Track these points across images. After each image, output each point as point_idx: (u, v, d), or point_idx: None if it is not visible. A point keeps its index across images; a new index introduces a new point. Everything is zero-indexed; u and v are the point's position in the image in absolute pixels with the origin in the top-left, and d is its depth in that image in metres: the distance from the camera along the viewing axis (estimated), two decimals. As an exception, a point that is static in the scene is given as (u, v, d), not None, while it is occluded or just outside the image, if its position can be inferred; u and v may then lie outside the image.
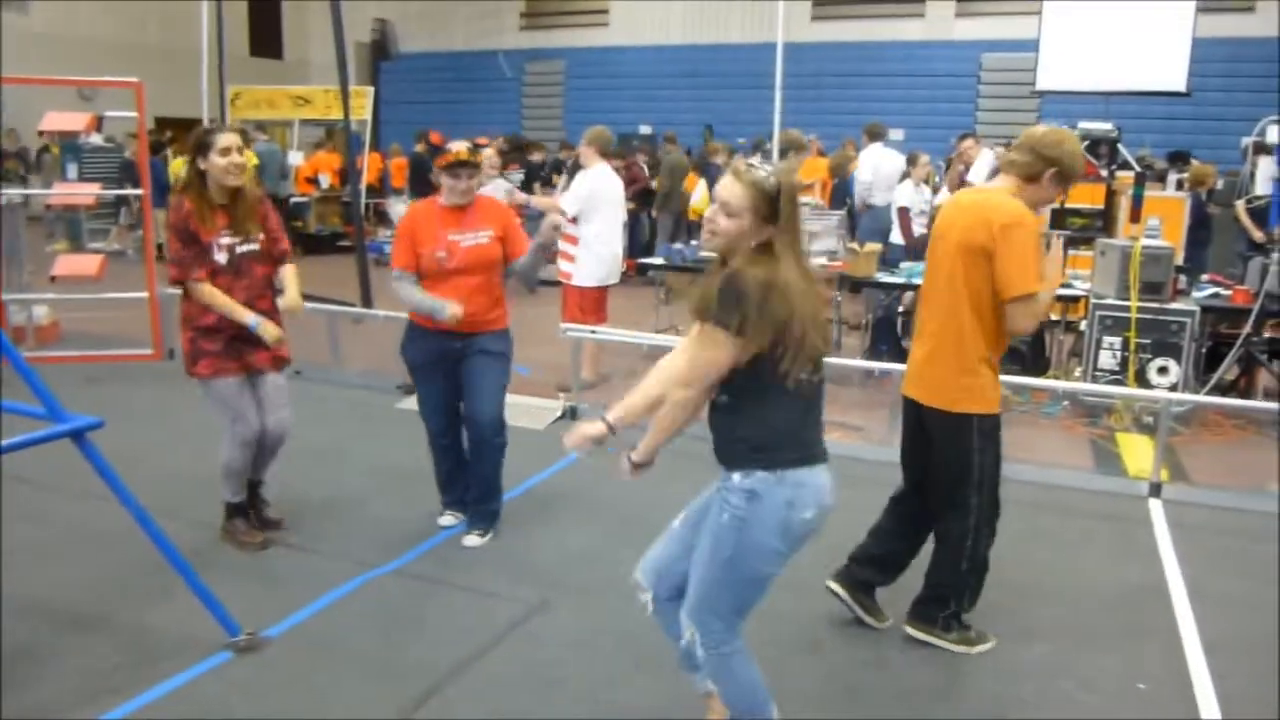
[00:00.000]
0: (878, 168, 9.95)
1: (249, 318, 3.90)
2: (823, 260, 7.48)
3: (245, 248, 3.98)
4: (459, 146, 4.11)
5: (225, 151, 3.84)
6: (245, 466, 4.11)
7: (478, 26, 20.24)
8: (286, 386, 4.21)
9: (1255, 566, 4.30)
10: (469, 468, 4.35)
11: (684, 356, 2.48)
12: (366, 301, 8.15)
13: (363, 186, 12.05)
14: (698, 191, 11.17)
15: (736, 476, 2.44)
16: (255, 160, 11.42)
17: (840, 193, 10.31)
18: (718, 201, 2.41)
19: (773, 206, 2.35)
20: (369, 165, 14.99)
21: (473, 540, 4.30)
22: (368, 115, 14.50)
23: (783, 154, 6.70)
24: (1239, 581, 4.13)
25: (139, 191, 7.97)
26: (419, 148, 12.08)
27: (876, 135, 10.37)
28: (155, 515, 3.18)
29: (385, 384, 6.73)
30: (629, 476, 2.56)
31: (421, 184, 11.96)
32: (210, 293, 3.89)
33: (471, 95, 19.99)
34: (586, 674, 3.28)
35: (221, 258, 3.91)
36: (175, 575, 3.25)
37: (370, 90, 14.96)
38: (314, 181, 14.28)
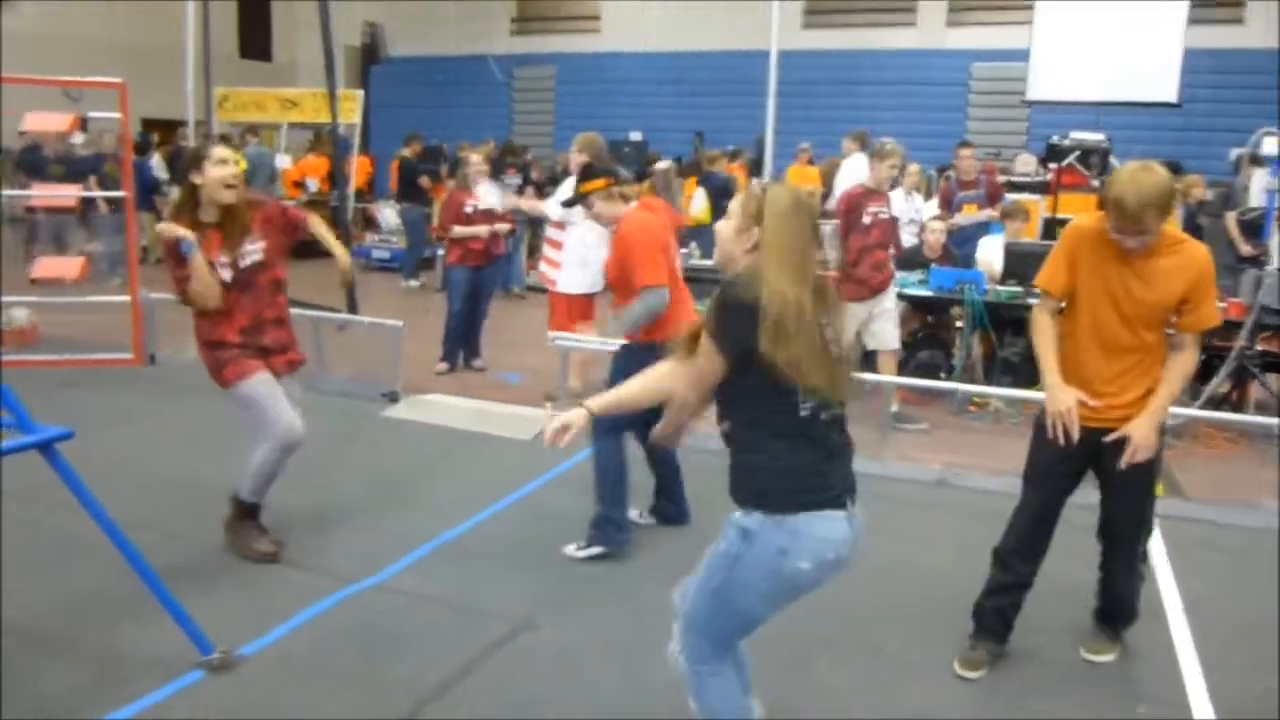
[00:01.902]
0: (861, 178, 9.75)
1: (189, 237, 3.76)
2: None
3: (249, 260, 3.91)
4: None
5: (221, 161, 3.79)
6: (278, 472, 4.00)
7: (468, 30, 20.12)
8: (299, 391, 4.13)
9: (1250, 583, 4.24)
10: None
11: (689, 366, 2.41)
12: (352, 308, 8.06)
13: (351, 190, 11.97)
14: (697, 200, 10.66)
15: (738, 513, 2.35)
16: (244, 165, 11.30)
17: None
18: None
19: (758, 208, 2.32)
20: (358, 169, 14.89)
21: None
22: (357, 119, 14.41)
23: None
24: (1235, 599, 4.08)
25: (121, 194, 7.85)
26: (407, 152, 11.94)
27: (864, 144, 10.04)
28: (130, 526, 3.09)
29: (370, 392, 6.63)
30: (570, 427, 2.48)
31: (410, 188, 11.83)
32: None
33: (461, 100, 19.90)
34: (573, 693, 3.19)
35: (226, 275, 3.85)
36: (147, 590, 3.15)
37: (360, 94, 14.85)
38: (301, 185, 14.17)
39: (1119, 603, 3.53)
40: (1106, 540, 3.46)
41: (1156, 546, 4.59)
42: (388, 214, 13.29)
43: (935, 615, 3.73)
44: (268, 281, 3.99)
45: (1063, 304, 3.33)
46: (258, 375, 3.90)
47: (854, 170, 9.82)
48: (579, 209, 4.67)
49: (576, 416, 2.48)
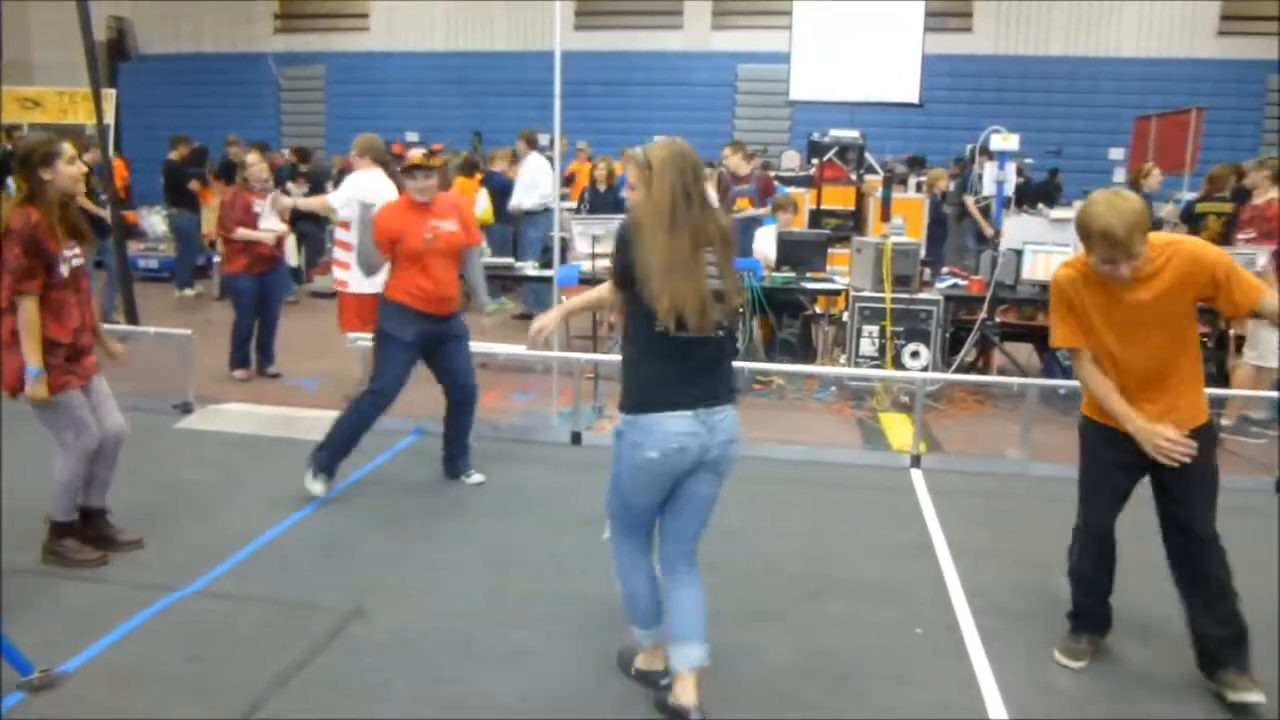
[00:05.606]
0: (534, 177, 9.93)
1: (34, 363, 3.73)
2: (606, 262, 7.70)
3: (78, 261, 3.89)
4: (416, 154, 4.91)
5: (71, 160, 3.77)
6: (83, 482, 4.01)
7: (227, 29, 19.21)
8: (106, 386, 4.18)
9: (1000, 521, 4.89)
10: (455, 424, 5.16)
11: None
12: (132, 318, 7.66)
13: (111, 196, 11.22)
14: (481, 201, 10.50)
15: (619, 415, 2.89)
16: None
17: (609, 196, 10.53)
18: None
19: (647, 162, 2.80)
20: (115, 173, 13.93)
21: (479, 478, 5.16)
22: (110, 119, 13.49)
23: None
24: (988, 534, 4.68)
25: None
26: (173, 155, 11.31)
27: (533, 143, 10.28)
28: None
29: (159, 404, 6.36)
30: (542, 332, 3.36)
31: (178, 194, 11.25)
32: (33, 312, 3.72)
33: (223, 100, 18.91)
34: (413, 673, 3.31)
35: (64, 270, 3.81)
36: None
37: (113, 93, 13.91)
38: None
39: (1234, 620, 3.21)
40: (1190, 549, 3.25)
41: (923, 495, 5.19)
42: (153, 220, 12.57)
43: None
44: (86, 285, 4.02)
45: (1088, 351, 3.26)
46: (73, 392, 3.90)
47: (531, 169, 9.99)
48: (363, 209, 4.96)
49: (546, 321, 3.39)
